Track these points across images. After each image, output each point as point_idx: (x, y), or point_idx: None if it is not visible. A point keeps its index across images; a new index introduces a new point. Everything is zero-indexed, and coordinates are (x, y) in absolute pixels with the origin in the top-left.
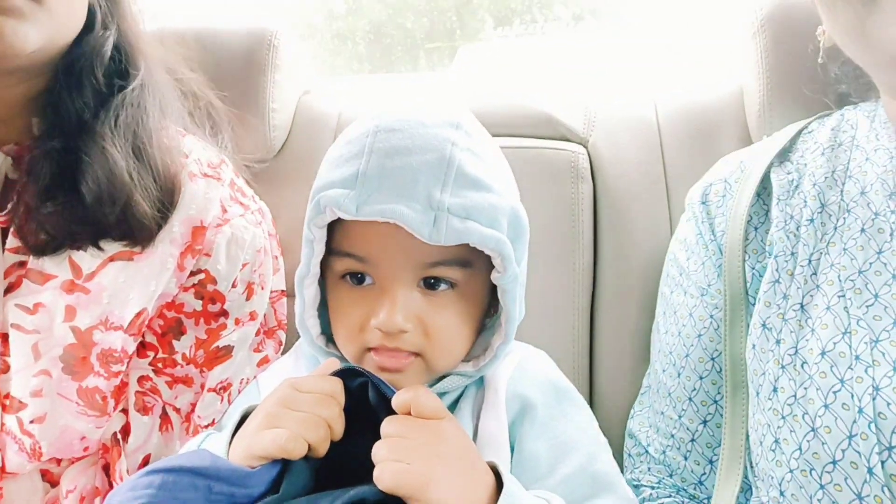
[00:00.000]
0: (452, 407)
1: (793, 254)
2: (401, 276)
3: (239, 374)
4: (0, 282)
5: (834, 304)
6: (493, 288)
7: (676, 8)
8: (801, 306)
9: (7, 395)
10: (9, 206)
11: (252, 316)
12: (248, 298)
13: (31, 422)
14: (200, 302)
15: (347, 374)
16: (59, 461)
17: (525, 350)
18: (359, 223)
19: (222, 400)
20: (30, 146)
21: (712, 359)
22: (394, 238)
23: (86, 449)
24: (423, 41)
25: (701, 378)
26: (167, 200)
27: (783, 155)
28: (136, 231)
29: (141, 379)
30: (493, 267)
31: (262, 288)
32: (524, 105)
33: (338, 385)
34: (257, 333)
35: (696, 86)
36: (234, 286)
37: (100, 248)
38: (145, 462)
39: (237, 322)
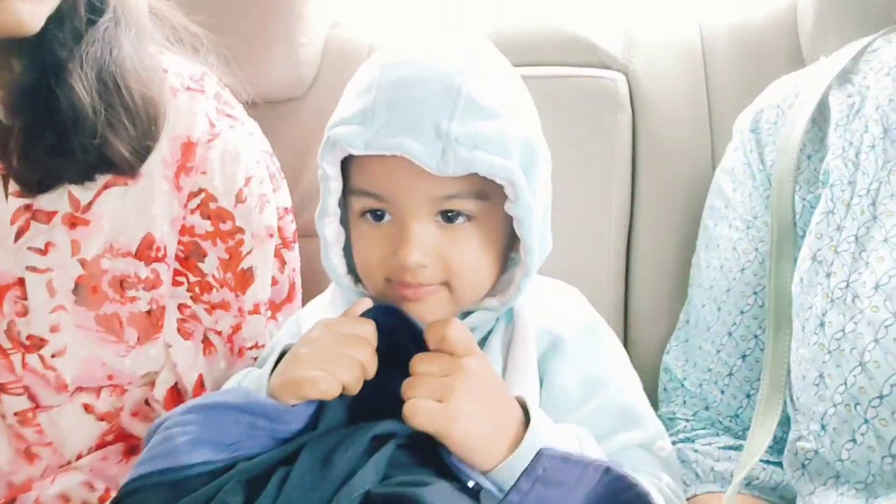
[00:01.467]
0: (482, 343)
1: (850, 182)
2: (417, 211)
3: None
4: (8, 227)
5: (892, 236)
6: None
7: None
8: (856, 238)
9: (29, 336)
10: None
11: (269, 232)
12: (261, 212)
13: (53, 356)
14: (209, 222)
15: (380, 313)
16: (98, 391)
17: (556, 286)
18: (371, 160)
19: (266, 320)
20: (11, 89)
21: (755, 293)
22: (406, 172)
23: (110, 377)
24: None
25: (742, 312)
26: (151, 126)
27: (843, 76)
28: (117, 165)
29: (181, 306)
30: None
31: (269, 201)
32: (556, 28)
33: (370, 326)
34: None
35: (743, 4)
36: (241, 200)
37: (92, 180)
38: (199, 382)
39: (254, 237)
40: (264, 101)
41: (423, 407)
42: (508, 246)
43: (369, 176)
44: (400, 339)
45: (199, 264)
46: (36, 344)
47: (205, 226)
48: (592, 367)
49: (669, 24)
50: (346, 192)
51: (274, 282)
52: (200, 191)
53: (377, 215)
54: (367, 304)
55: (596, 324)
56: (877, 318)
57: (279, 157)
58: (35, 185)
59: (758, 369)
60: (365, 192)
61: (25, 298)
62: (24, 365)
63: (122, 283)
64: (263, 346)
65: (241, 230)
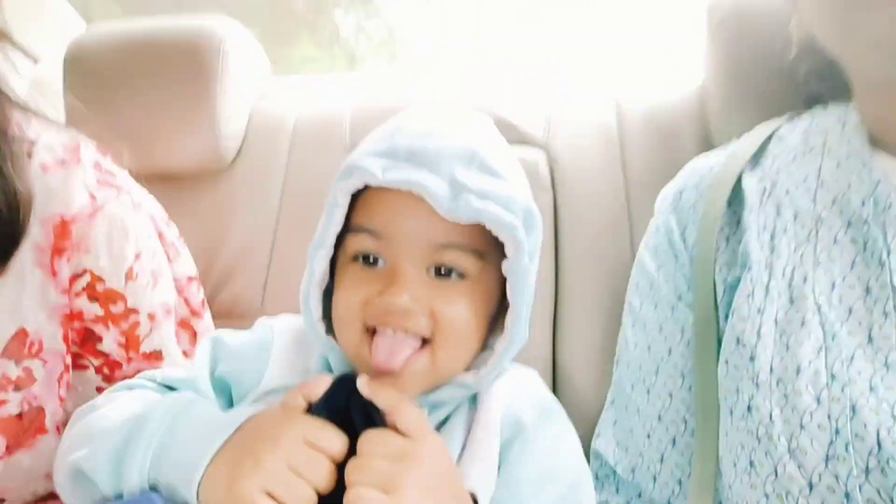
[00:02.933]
0: (443, 423)
1: (767, 265)
2: (413, 256)
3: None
4: None
5: (809, 319)
6: (502, 296)
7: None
8: (776, 321)
9: None
10: None
11: (167, 308)
12: (154, 288)
13: None
14: (97, 304)
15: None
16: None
17: (517, 369)
18: (379, 198)
19: None
20: None
21: (683, 375)
22: (412, 212)
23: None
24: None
25: (671, 395)
26: (14, 224)
27: (755, 160)
28: None
29: (99, 389)
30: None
31: (162, 275)
32: (480, 105)
33: (339, 442)
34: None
35: (656, 87)
36: (131, 279)
37: None
38: None
39: (151, 318)
40: (185, 175)
41: (367, 499)
42: (493, 320)
43: (374, 212)
44: (350, 409)
45: (98, 346)
46: None
47: (94, 310)
48: (550, 459)
49: (589, 104)
50: (344, 232)
51: (184, 354)
52: (84, 272)
53: (370, 261)
54: (326, 382)
55: (552, 406)
56: (801, 404)
57: (199, 232)
58: None
59: (688, 454)
60: (365, 228)
61: None
62: None
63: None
64: None
65: (135, 311)
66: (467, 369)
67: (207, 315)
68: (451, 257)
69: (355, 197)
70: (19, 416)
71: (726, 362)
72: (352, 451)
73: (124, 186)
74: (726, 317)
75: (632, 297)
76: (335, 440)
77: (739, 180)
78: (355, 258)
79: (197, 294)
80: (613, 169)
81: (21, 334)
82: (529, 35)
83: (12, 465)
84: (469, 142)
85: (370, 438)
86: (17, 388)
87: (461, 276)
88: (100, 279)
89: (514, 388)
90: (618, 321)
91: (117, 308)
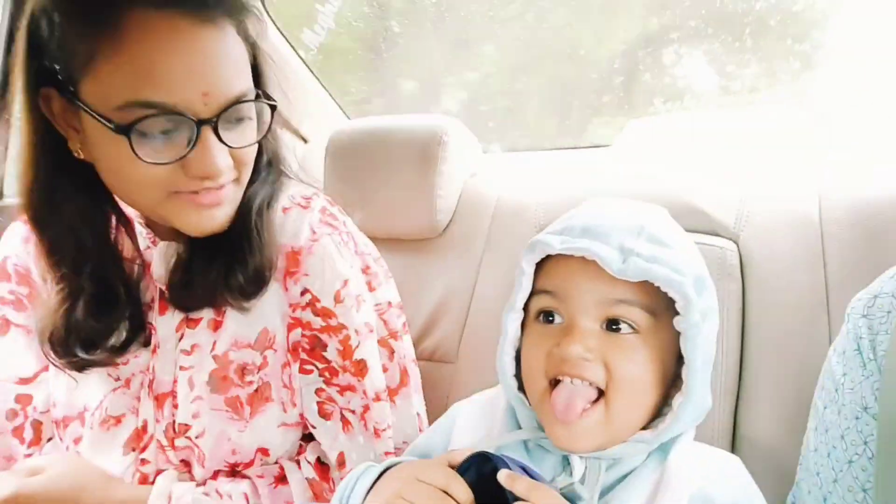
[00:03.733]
0: (621, 479)
1: None
2: (586, 310)
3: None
4: (173, 336)
5: None
6: (678, 360)
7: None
8: None
9: (179, 425)
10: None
11: (369, 328)
12: (358, 310)
13: (197, 437)
14: (319, 318)
15: (476, 460)
16: (216, 474)
17: (717, 452)
18: (557, 264)
19: (389, 406)
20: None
21: (864, 490)
22: (585, 274)
23: (234, 452)
24: (591, 115)
25: None
26: (268, 267)
27: None
28: (239, 296)
29: (317, 391)
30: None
31: (364, 300)
32: (673, 194)
33: (455, 481)
34: None
35: (863, 180)
36: (339, 301)
37: (226, 306)
38: (339, 459)
39: (357, 332)
40: (406, 239)
41: None
42: (669, 380)
43: (552, 276)
44: (493, 488)
45: (324, 353)
46: (183, 430)
47: (318, 321)
48: None
49: (786, 194)
50: (531, 295)
51: (384, 369)
52: (306, 291)
53: (549, 318)
54: (465, 454)
55: (754, 494)
56: None
57: (412, 286)
58: (186, 308)
59: None
60: (544, 290)
61: (177, 396)
62: (173, 447)
63: (243, 370)
64: (390, 427)
65: (345, 326)
66: (645, 428)
67: (407, 339)
68: (622, 311)
69: (540, 267)
70: (257, 390)
71: None
72: None
73: (340, 227)
74: None
75: (818, 399)
76: (447, 475)
77: None
78: (538, 317)
79: (397, 319)
80: (813, 263)
81: (264, 332)
82: (731, 119)
83: (253, 426)
84: (638, 219)
85: None
86: (259, 370)
87: (634, 330)
88: (317, 298)
89: (712, 469)
90: (800, 419)
91: (333, 322)
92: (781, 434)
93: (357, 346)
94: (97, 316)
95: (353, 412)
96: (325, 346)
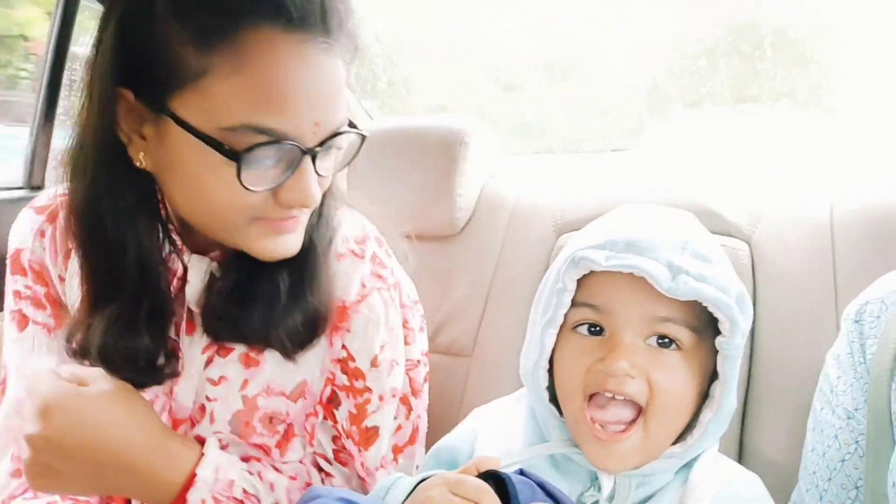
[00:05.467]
0: (648, 497)
1: None
2: (632, 326)
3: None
4: (199, 358)
5: None
6: (713, 375)
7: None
8: None
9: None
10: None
11: (393, 392)
12: (389, 375)
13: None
14: (346, 377)
15: (518, 482)
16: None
17: (737, 469)
18: (600, 279)
19: (389, 468)
20: (228, 253)
21: (856, 487)
22: (631, 290)
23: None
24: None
25: None
26: (325, 316)
27: None
28: (285, 346)
29: (334, 439)
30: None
31: (399, 363)
32: (687, 195)
33: (485, 492)
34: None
35: (879, 184)
36: (375, 366)
37: (266, 348)
38: None
39: (381, 399)
40: (425, 237)
41: None
42: (703, 395)
43: (596, 291)
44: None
45: (335, 411)
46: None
47: (342, 379)
48: None
49: (799, 200)
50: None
51: (398, 428)
52: (344, 347)
53: (593, 329)
54: (490, 462)
55: None
56: None
57: (429, 284)
58: (216, 336)
59: None
60: (588, 304)
61: (194, 426)
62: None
63: (271, 419)
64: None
65: (369, 390)
66: (674, 444)
67: (426, 391)
68: (669, 329)
69: (580, 279)
70: (284, 433)
71: (893, 484)
72: None
73: (388, 278)
74: None
75: (815, 400)
76: (479, 487)
77: None
78: (575, 328)
79: (421, 373)
80: (823, 267)
81: (303, 384)
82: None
83: (283, 462)
84: (681, 233)
85: None
86: (287, 417)
87: (678, 347)
88: (352, 357)
89: (729, 485)
90: (805, 419)
91: (358, 384)
92: (787, 438)
93: (373, 412)
94: (129, 334)
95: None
96: (338, 405)
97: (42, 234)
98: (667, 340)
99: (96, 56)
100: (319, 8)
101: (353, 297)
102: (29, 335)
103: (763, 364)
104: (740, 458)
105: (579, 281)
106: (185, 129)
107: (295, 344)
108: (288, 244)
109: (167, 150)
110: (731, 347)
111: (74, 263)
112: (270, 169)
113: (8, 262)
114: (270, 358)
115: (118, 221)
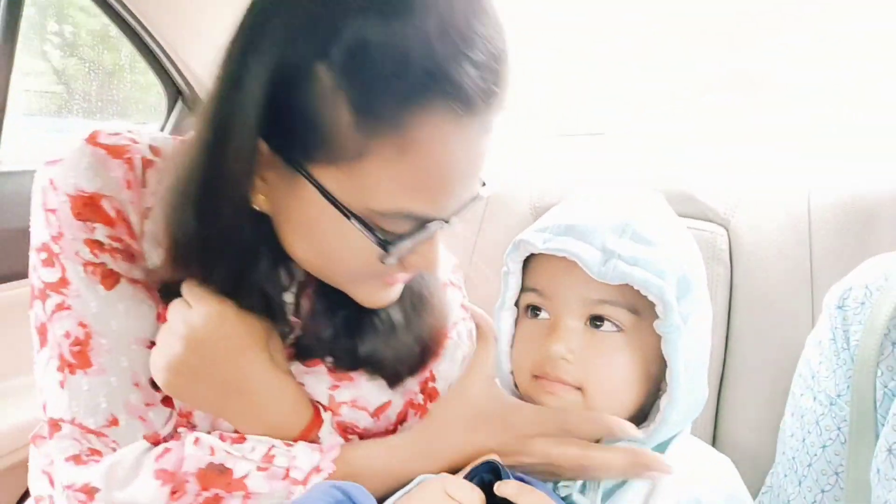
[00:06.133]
0: (619, 486)
1: None
2: (570, 309)
3: None
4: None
5: None
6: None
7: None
8: None
9: None
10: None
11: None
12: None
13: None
14: (423, 396)
15: (482, 469)
16: None
17: (708, 452)
18: (543, 263)
19: None
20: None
21: (836, 474)
22: (567, 273)
23: None
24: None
25: (823, 492)
26: (433, 349)
27: None
28: (387, 373)
29: None
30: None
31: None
32: (665, 180)
33: (469, 493)
34: None
35: (852, 173)
36: (447, 391)
37: (355, 370)
38: None
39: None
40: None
41: None
42: (656, 380)
43: (538, 274)
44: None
45: (399, 427)
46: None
47: (419, 399)
48: None
49: (776, 185)
50: (522, 290)
51: None
52: (431, 372)
53: (538, 313)
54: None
55: (743, 498)
56: None
57: None
58: (305, 354)
59: None
60: (532, 288)
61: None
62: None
63: (345, 428)
64: None
65: (427, 412)
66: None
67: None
68: (606, 310)
69: (528, 264)
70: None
71: (878, 470)
72: None
73: (469, 308)
74: (885, 422)
75: (795, 385)
76: (471, 495)
77: None
78: (526, 309)
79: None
80: (799, 253)
81: (387, 404)
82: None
83: None
84: (624, 216)
85: None
86: (361, 432)
87: (618, 328)
88: (434, 378)
89: (699, 469)
90: (782, 402)
91: (430, 406)
92: (761, 422)
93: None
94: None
95: None
96: (402, 422)
97: (129, 184)
98: (607, 322)
99: (232, 93)
100: (493, 90)
101: (450, 325)
102: (126, 293)
103: (738, 348)
104: (714, 441)
105: (528, 264)
106: (329, 200)
107: (410, 371)
108: (392, 295)
109: (294, 202)
110: (669, 330)
111: (149, 225)
112: (407, 241)
113: (72, 205)
114: (360, 379)
115: (239, 257)
